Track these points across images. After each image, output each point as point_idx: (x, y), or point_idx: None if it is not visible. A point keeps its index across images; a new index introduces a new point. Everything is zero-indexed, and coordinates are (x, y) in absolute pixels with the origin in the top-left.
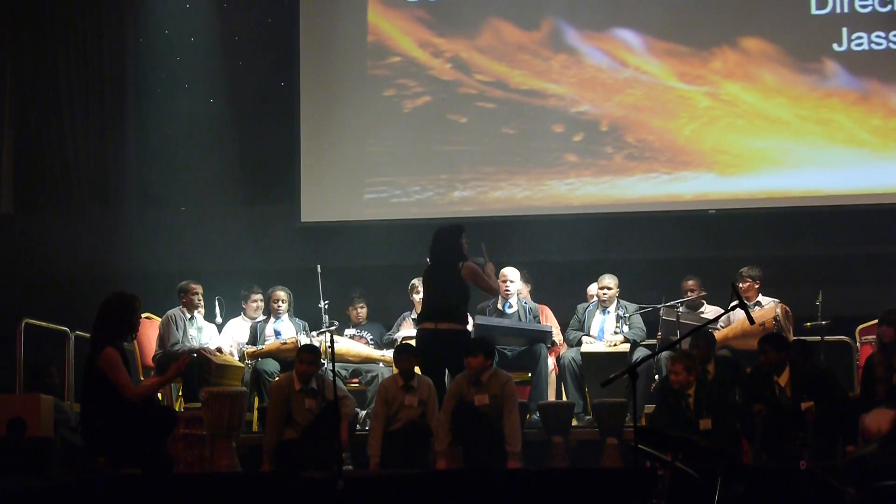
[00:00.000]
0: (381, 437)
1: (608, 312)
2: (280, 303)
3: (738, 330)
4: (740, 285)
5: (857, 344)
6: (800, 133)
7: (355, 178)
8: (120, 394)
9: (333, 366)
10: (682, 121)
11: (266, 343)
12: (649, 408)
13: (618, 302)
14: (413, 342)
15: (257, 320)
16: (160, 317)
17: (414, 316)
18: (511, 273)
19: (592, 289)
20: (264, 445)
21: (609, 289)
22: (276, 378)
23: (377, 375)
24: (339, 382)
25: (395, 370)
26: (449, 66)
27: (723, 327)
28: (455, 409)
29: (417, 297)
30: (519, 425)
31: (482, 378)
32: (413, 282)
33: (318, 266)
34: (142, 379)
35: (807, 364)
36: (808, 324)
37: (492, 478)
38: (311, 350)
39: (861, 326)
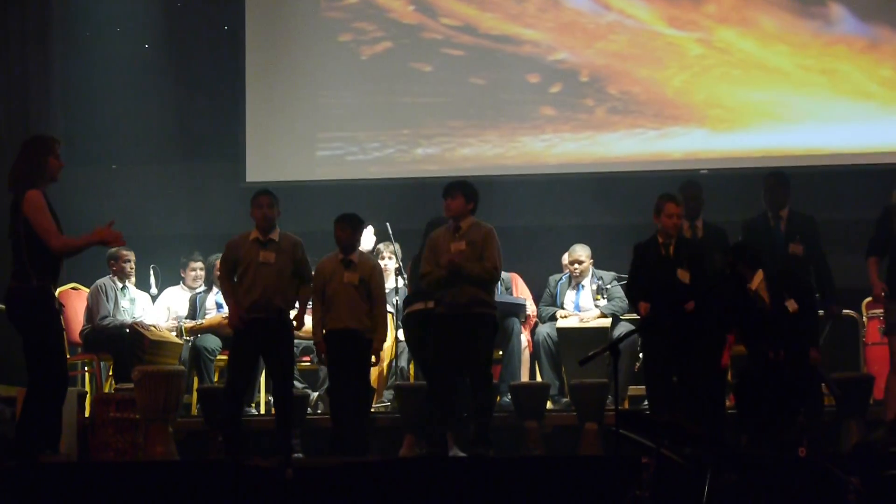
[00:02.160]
0: (321, 320)
1: (582, 287)
2: None
3: None
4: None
5: (864, 319)
6: (802, 84)
7: (307, 134)
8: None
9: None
10: (671, 71)
11: (207, 317)
12: (633, 389)
13: (592, 273)
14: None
15: (197, 291)
16: (88, 287)
17: None
18: None
19: (566, 259)
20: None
21: (580, 262)
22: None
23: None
24: None
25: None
26: (412, 7)
27: None
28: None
29: (382, 263)
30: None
31: (461, 224)
32: (378, 246)
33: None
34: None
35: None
36: None
37: (459, 466)
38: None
39: (867, 300)
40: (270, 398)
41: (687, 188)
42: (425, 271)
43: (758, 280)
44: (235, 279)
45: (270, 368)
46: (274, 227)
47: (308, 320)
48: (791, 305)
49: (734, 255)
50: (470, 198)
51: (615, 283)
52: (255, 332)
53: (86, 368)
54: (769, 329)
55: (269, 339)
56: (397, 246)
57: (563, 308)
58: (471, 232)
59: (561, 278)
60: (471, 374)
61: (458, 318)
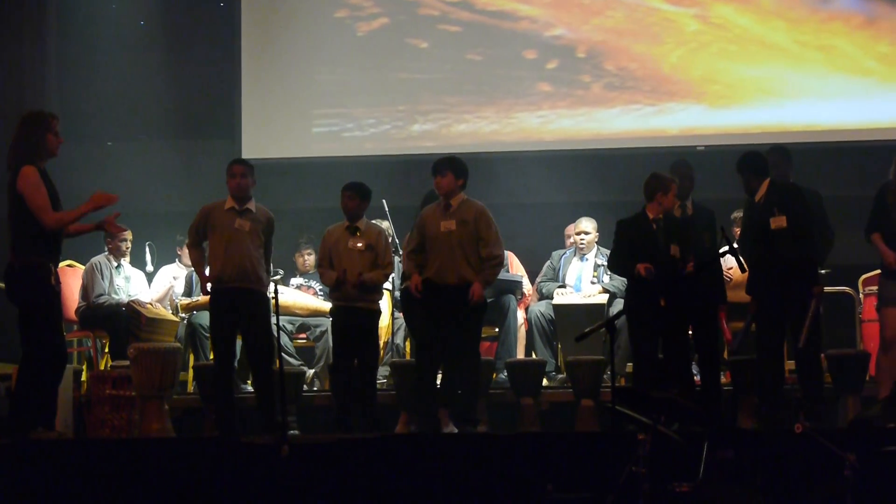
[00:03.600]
0: (333, 282)
1: (586, 259)
2: None
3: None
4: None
5: (860, 296)
6: (799, 60)
7: (302, 110)
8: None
9: (278, 319)
10: (667, 46)
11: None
12: (630, 366)
13: (597, 248)
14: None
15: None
16: (83, 265)
17: None
18: None
19: (570, 230)
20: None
21: (587, 233)
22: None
23: (327, 330)
24: (285, 338)
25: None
26: None
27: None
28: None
29: None
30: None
31: (451, 201)
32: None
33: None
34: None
35: (784, 181)
36: None
37: (455, 443)
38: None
39: (864, 276)
40: None
41: (679, 168)
42: (408, 249)
43: (762, 191)
44: (206, 246)
45: (248, 345)
46: (249, 198)
47: (289, 292)
48: (777, 222)
49: (742, 164)
50: (460, 174)
51: None
52: (230, 304)
53: (83, 345)
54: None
55: (245, 311)
56: (389, 223)
57: (565, 281)
58: (461, 210)
59: (565, 252)
60: (455, 351)
61: (445, 295)
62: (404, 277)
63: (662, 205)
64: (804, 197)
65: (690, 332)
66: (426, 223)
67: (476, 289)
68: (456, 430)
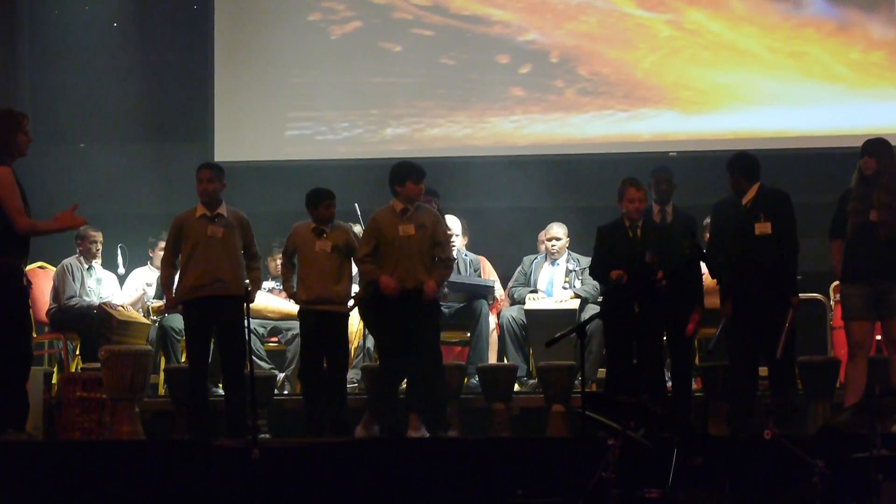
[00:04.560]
0: (290, 276)
1: (557, 265)
2: None
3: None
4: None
5: (831, 302)
6: (771, 67)
7: (276, 113)
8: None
9: (248, 323)
10: (640, 52)
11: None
12: (602, 372)
13: (568, 254)
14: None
15: None
16: (55, 266)
17: None
18: (453, 223)
19: (542, 236)
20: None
21: (558, 239)
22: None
23: (298, 334)
24: (256, 342)
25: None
26: None
27: None
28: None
29: None
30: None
31: (409, 206)
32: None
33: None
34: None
35: (775, 187)
36: None
37: (427, 447)
38: (209, 166)
39: (834, 284)
40: None
41: (658, 173)
42: (362, 253)
43: (751, 194)
44: (180, 258)
45: (221, 349)
46: (220, 202)
47: (261, 296)
48: (762, 228)
49: (735, 164)
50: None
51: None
52: (205, 311)
53: (54, 347)
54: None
55: (220, 318)
56: (362, 226)
57: (536, 286)
58: (418, 215)
59: (536, 257)
60: (418, 357)
61: (404, 299)
62: (362, 283)
63: (625, 210)
64: (792, 206)
65: (665, 338)
66: (382, 228)
67: (430, 286)
68: (427, 434)
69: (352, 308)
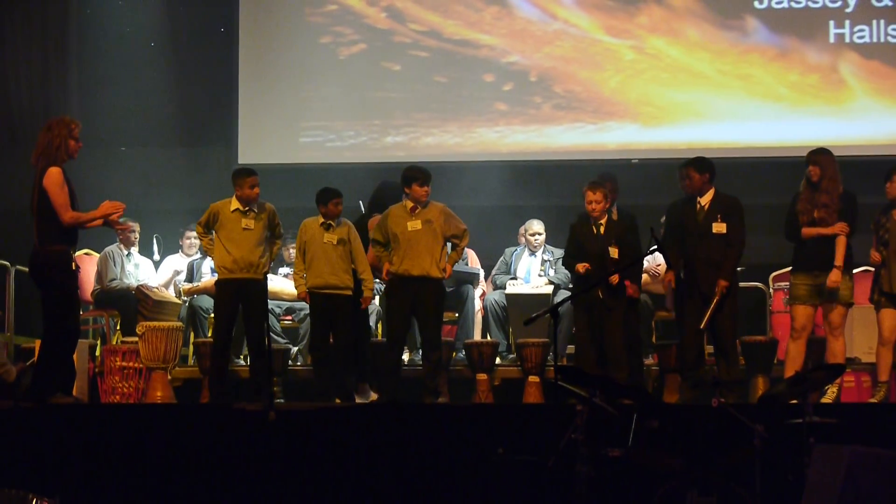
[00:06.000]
0: (303, 269)
1: (534, 256)
2: None
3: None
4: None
5: (771, 290)
6: (720, 87)
7: (291, 123)
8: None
9: (267, 303)
10: (608, 73)
11: (202, 280)
12: (570, 348)
13: (545, 246)
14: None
15: (193, 258)
16: (98, 253)
17: None
18: None
19: (523, 230)
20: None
21: (539, 234)
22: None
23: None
24: (273, 320)
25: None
26: (384, 14)
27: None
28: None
29: None
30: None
31: (417, 205)
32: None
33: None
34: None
35: (728, 194)
36: None
37: (416, 411)
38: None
39: (774, 273)
40: None
41: (604, 179)
42: (372, 238)
43: (709, 197)
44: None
45: (247, 324)
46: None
47: (278, 280)
48: (718, 227)
49: (698, 165)
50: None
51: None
52: (234, 292)
53: (98, 323)
54: None
55: (247, 298)
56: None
57: (516, 274)
58: (426, 212)
59: (516, 249)
60: (423, 335)
61: (411, 286)
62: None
63: (587, 210)
64: (743, 210)
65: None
66: (391, 223)
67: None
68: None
69: (364, 306)
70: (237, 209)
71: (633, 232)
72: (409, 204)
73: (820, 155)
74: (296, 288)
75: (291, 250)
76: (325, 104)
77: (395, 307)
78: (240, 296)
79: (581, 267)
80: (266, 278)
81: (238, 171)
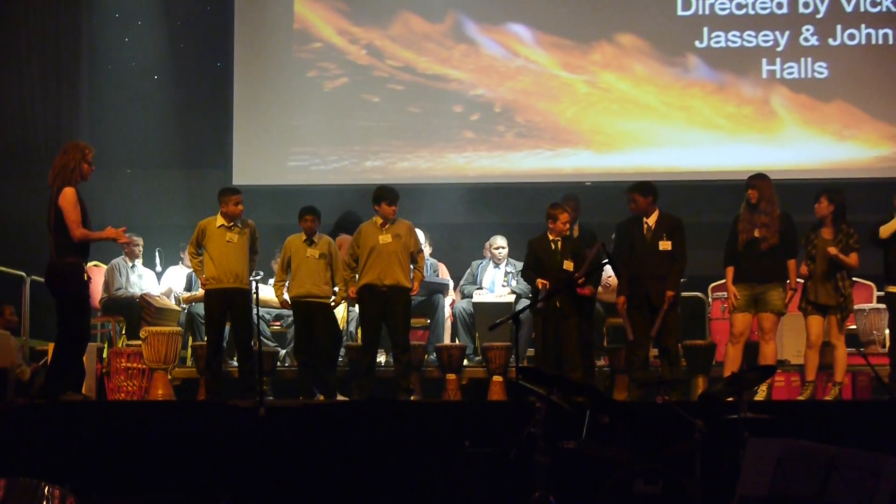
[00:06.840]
0: (283, 282)
1: (499, 268)
2: None
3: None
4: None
5: (710, 299)
6: (665, 117)
7: (280, 148)
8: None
9: (258, 310)
10: (564, 104)
11: (200, 289)
12: (531, 351)
13: (508, 259)
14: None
15: (192, 269)
16: (106, 264)
17: None
18: (419, 235)
19: (488, 245)
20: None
21: (503, 248)
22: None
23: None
24: (263, 325)
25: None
26: (364, 52)
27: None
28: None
29: None
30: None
31: (386, 221)
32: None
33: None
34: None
35: (671, 213)
36: None
37: (394, 407)
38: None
39: (712, 284)
40: None
41: (568, 199)
42: (347, 256)
43: (654, 217)
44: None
45: (235, 330)
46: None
47: (267, 290)
48: (664, 245)
49: (643, 189)
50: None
51: None
52: (222, 300)
53: (105, 328)
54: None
55: (234, 305)
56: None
57: (481, 284)
58: (395, 227)
59: (482, 262)
60: (393, 340)
61: (382, 295)
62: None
63: (555, 229)
64: (684, 229)
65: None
66: (363, 238)
67: (416, 285)
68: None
69: (335, 305)
70: (222, 225)
71: (591, 246)
72: (379, 220)
73: (758, 179)
74: (277, 297)
75: None
76: (311, 131)
77: (367, 315)
78: (227, 303)
79: (540, 283)
80: (251, 286)
81: (224, 190)
